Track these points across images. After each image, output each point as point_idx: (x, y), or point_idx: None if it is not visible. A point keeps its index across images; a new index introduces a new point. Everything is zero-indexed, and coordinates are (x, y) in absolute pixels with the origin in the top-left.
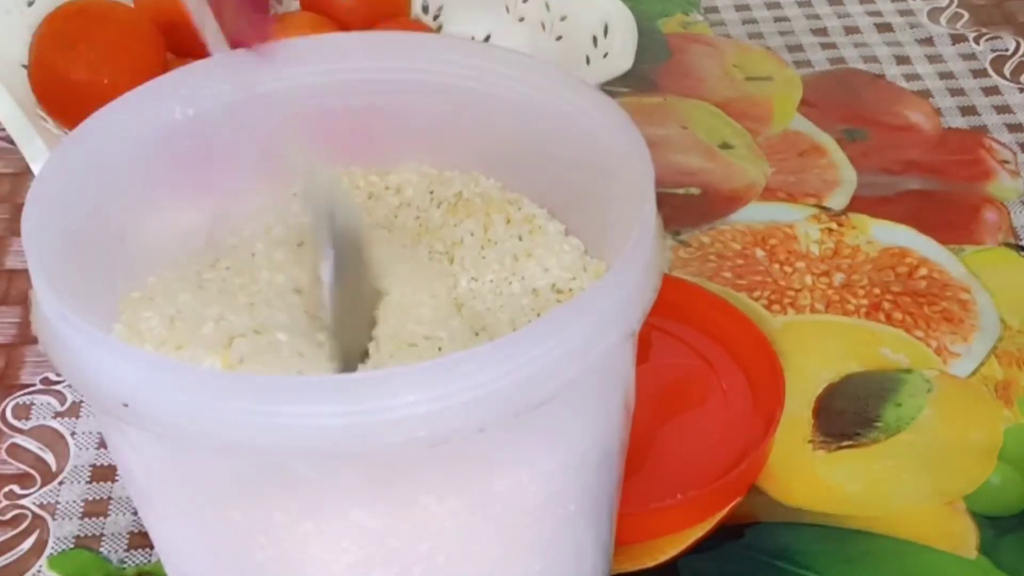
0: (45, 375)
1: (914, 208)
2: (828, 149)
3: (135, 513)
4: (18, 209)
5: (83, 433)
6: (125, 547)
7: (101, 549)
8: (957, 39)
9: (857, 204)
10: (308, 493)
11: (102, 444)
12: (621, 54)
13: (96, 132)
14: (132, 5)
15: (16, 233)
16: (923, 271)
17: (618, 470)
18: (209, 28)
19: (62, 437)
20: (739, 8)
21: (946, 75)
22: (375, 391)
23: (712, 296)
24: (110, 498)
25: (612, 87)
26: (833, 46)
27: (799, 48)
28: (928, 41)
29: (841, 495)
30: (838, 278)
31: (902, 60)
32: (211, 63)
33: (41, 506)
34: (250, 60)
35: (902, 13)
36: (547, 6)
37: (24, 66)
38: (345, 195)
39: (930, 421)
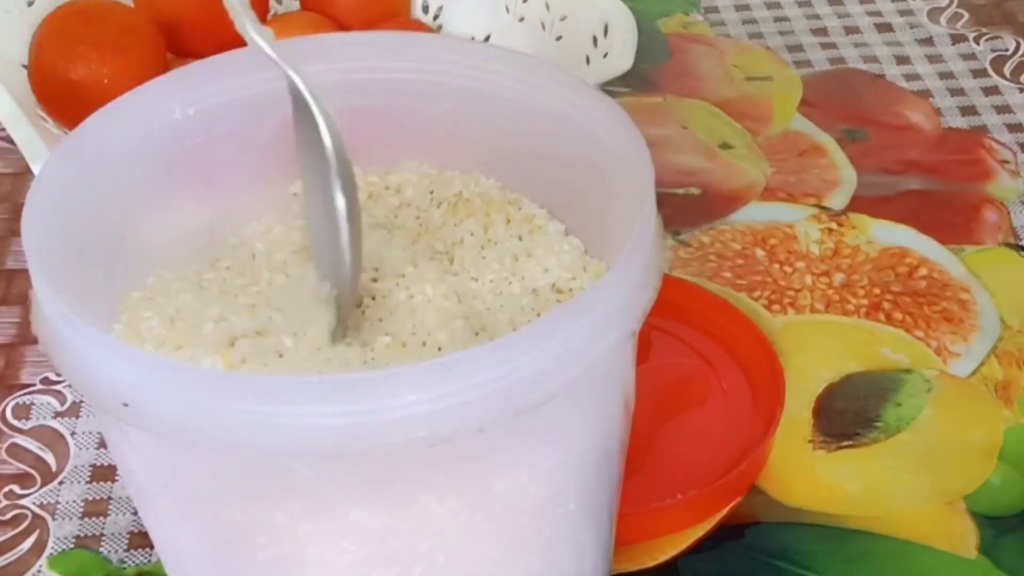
0: (45, 375)
1: (914, 208)
2: (828, 149)
3: (135, 513)
4: (18, 209)
5: (83, 433)
6: (125, 547)
7: (101, 549)
8: (957, 39)
9: (857, 204)
10: (308, 493)
11: (102, 444)
12: (621, 54)
13: (96, 132)
14: (132, 5)
15: (16, 233)
16: (923, 271)
17: (618, 470)
18: (249, 25)
19: (62, 437)
20: (739, 8)
21: (946, 75)
22: (375, 391)
23: (712, 296)
24: (110, 498)
25: (612, 87)
26: (833, 46)
27: (799, 48)
28: (928, 41)
29: (841, 495)
30: (838, 278)
31: (902, 60)
32: (211, 63)
33: (41, 506)
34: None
35: (902, 13)
36: (547, 6)
37: (24, 66)
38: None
39: (930, 421)
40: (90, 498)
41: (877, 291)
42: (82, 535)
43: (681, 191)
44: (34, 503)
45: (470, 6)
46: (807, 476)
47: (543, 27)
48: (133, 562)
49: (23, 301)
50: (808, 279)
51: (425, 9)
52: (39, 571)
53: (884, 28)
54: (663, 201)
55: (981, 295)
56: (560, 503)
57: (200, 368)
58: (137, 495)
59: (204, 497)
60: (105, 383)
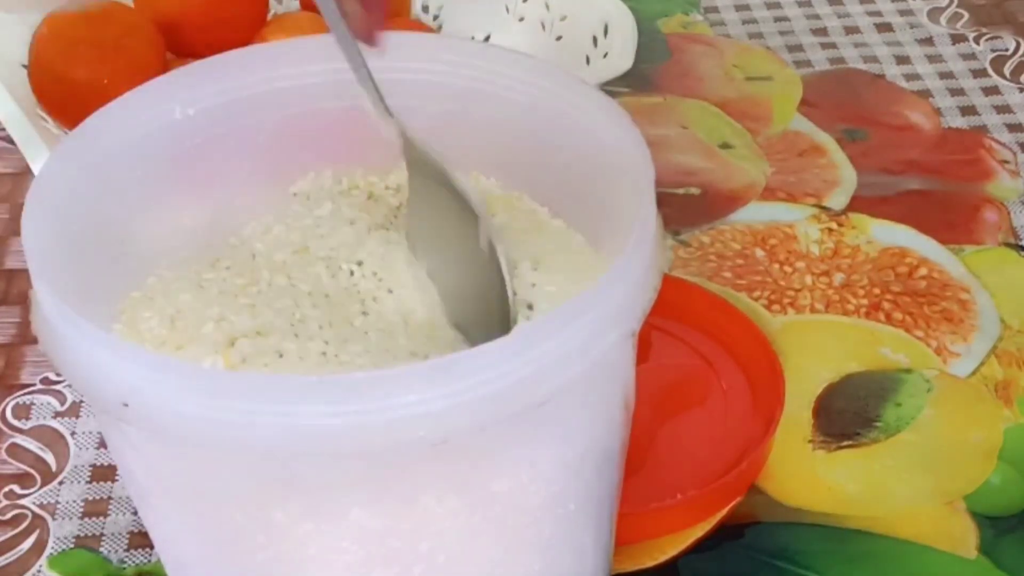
0: (45, 375)
1: (914, 208)
2: (828, 149)
3: (135, 513)
4: (18, 209)
5: (83, 433)
6: (125, 547)
7: (101, 549)
8: (957, 39)
9: (857, 204)
10: (308, 493)
11: (102, 444)
12: (621, 54)
13: (96, 132)
14: (132, 5)
15: (16, 233)
16: (923, 271)
17: (618, 470)
18: (333, 17)
19: (62, 437)
20: (739, 8)
21: (946, 75)
22: (375, 391)
23: (712, 296)
24: (110, 498)
25: (612, 87)
26: (833, 46)
27: (799, 48)
28: (928, 41)
29: (841, 495)
30: (838, 278)
31: (902, 60)
32: (211, 63)
33: (41, 506)
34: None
35: (902, 13)
36: (547, 6)
37: (24, 66)
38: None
39: (930, 421)
40: (90, 498)
41: (877, 291)
42: (82, 535)
43: (681, 191)
44: (34, 503)
45: (470, 6)
46: (807, 476)
47: (543, 27)
48: (133, 562)
49: (23, 301)
50: (808, 279)
51: (425, 9)
52: (39, 571)
53: (884, 28)
54: (663, 201)
55: (981, 295)
56: (560, 503)
57: (200, 368)
58: (137, 495)
59: (204, 497)
60: (105, 383)
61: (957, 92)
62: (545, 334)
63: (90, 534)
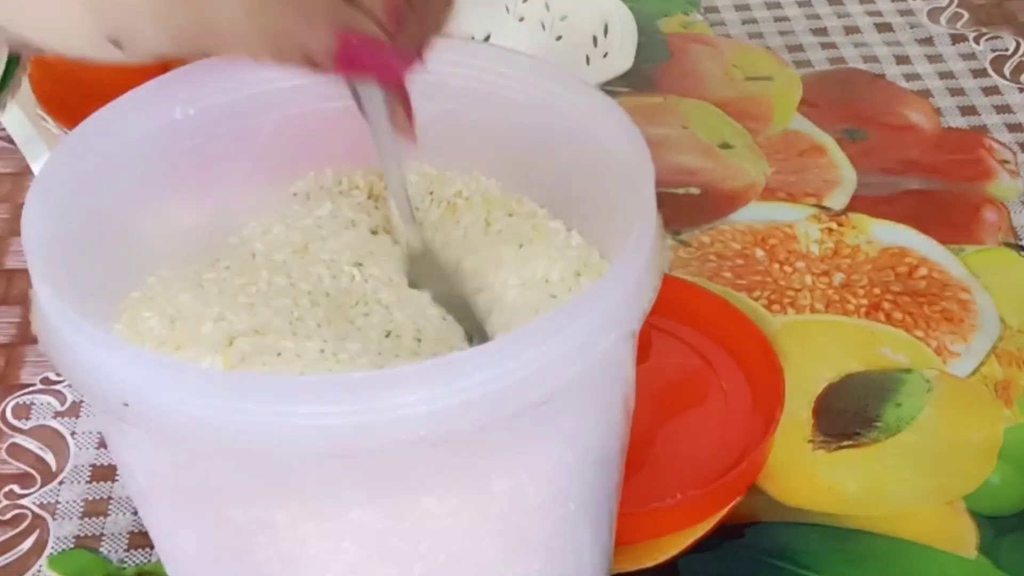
0: (45, 375)
1: (914, 208)
2: (828, 149)
3: (135, 513)
4: (18, 209)
5: (83, 433)
6: (125, 547)
7: (101, 549)
8: (957, 39)
9: (857, 204)
10: (308, 493)
11: (102, 444)
12: (621, 54)
13: (96, 132)
14: None
15: (16, 233)
16: (923, 271)
17: (618, 470)
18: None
19: (62, 437)
20: (739, 8)
21: (946, 75)
22: (375, 391)
23: (712, 296)
24: (110, 498)
25: (612, 87)
26: (833, 46)
27: (799, 48)
28: (928, 41)
29: (841, 495)
30: (838, 278)
31: (902, 60)
32: (211, 63)
33: (41, 506)
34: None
35: (902, 13)
36: (547, 6)
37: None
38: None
39: (930, 421)
40: (90, 498)
41: (877, 291)
42: (82, 535)
43: (681, 191)
44: (34, 503)
45: (470, 6)
46: (807, 476)
47: (543, 27)
48: (133, 562)
49: (23, 301)
50: (808, 279)
51: None
52: (39, 571)
53: (884, 28)
54: (663, 201)
55: (981, 295)
56: (560, 503)
57: (201, 368)
58: (137, 495)
59: (204, 497)
60: (105, 383)
61: (957, 92)
62: (545, 334)
63: (90, 534)
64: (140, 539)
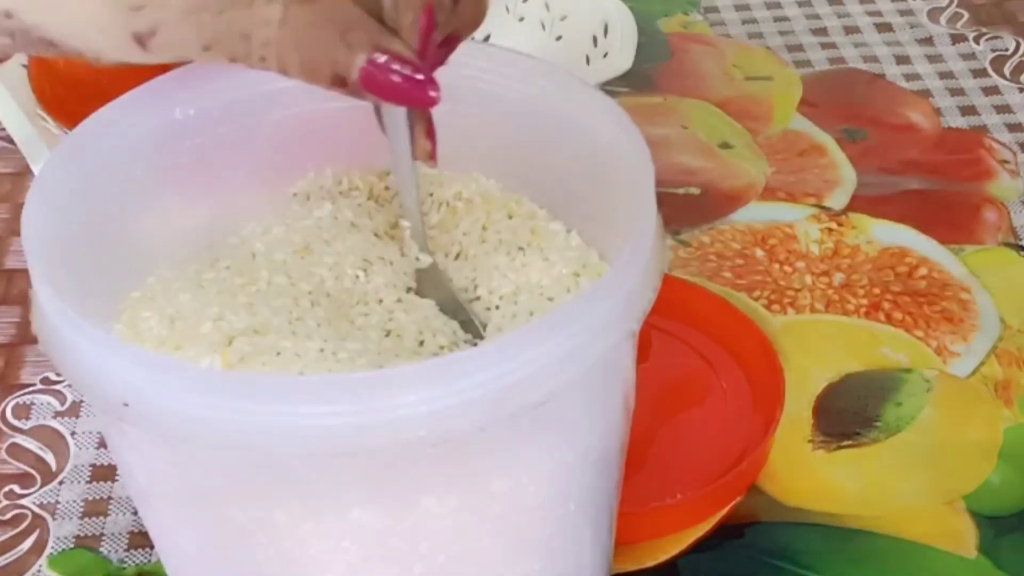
0: (45, 375)
1: (914, 208)
2: (828, 149)
3: (135, 513)
4: (18, 209)
5: (83, 433)
6: (125, 547)
7: (101, 549)
8: (957, 39)
9: (857, 204)
10: (308, 493)
11: (102, 444)
12: (621, 54)
13: (96, 132)
14: None
15: (16, 233)
16: (923, 271)
17: (618, 470)
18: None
19: (62, 437)
20: (739, 8)
21: (946, 75)
22: (375, 391)
23: (712, 296)
24: (110, 498)
25: (612, 87)
26: (833, 46)
27: (799, 48)
28: (928, 41)
29: (841, 495)
30: (838, 278)
31: (902, 60)
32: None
33: (41, 506)
34: None
35: (902, 13)
36: (547, 6)
37: (24, 66)
38: None
39: (930, 421)
40: (90, 498)
41: (877, 291)
42: (82, 535)
43: (681, 191)
44: (34, 503)
45: None
46: (807, 476)
47: (543, 27)
48: (133, 562)
49: (23, 301)
50: (808, 279)
51: None
52: (39, 571)
53: (884, 28)
54: (663, 201)
55: (981, 295)
56: (560, 503)
57: (201, 368)
58: (137, 495)
59: (204, 497)
60: (105, 383)
61: (957, 92)
62: (545, 334)
63: (90, 534)
64: (140, 539)
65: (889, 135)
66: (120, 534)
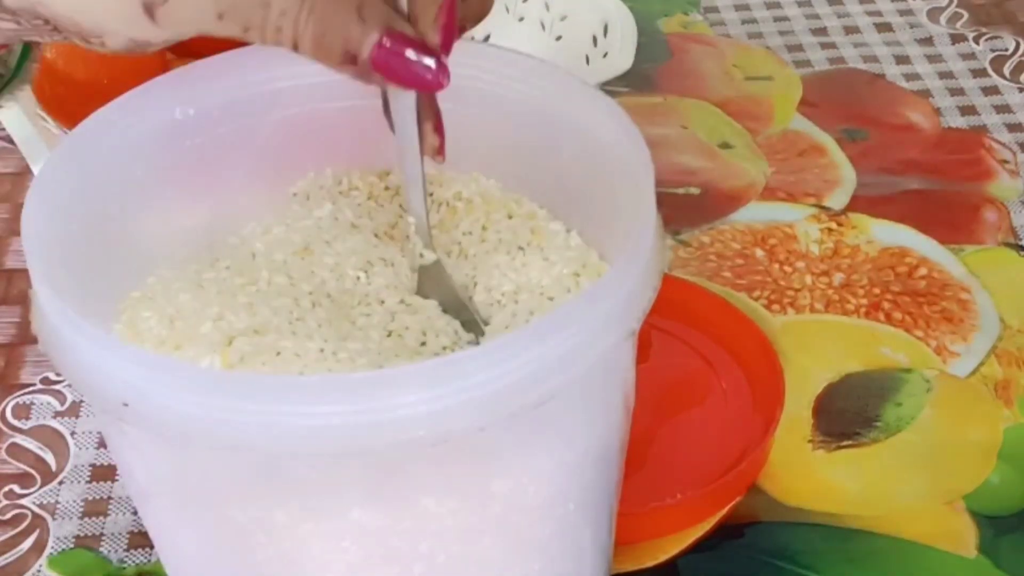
0: (45, 375)
1: (914, 208)
2: (828, 149)
3: (135, 513)
4: (18, 209)
5: (83, 433)
6: (125, 547)
7: (101, 549)
8: (957, 39)
9: (857, 204)
10: (308, 493)
11: (102, 444)
12: (621, 54)
13: (96, 132)
14: None
15: (16, 233)
16: (923, 271)
17: (618, 470)
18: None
19: (62, 437)
20: (739, 8)
21: (946, 75)
22: (375, 391)
23: (712, 296)
24: (110, 498)
25: (612, 87)
26: (833, 46)
27: (799, 48)
28: (928, 41)
29: (841, 494)
30: (838, 278)
31: (902, 60)
32: (211, 63)
33: (41, 506)
34: (250, 59)
35: (902, 13)
36: (547, 6)
37: None
38: None
39: (930, 421)
40: (90, 498)
41: (877, 291)
42: (82, 535)
43: (681, 191)
44: (34, 503)
45: None
46: (807, 476)
47: (543, 27)
48: (133, 562)
49: (23, 301)
50: (808, 279)
51: None
52: (39, 571)
53: (884, 28)
54: (663, 201)
55: (981, 295)
56: (560, 503)
57: (201, 368)
58: (137, 495)
59: (204, 497)
60: (105, 383)
61: (957, 92)
62: (545, 334)
63: (90, 534)
64: (140, 539)
65: (889, 135)
66: (120, 534)
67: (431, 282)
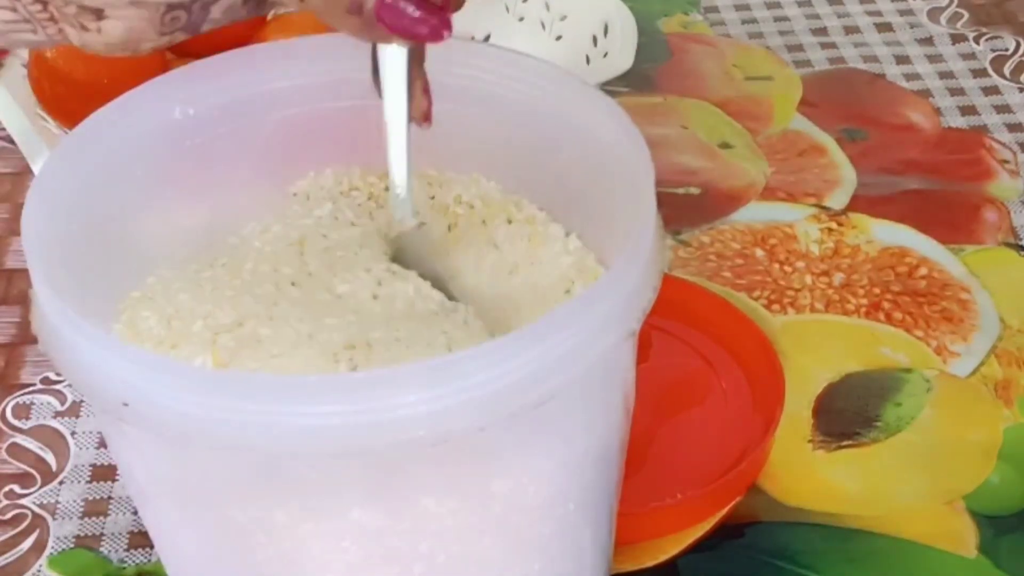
0: (45, 375)
1: (914, 208)
2: (828, 149)
3: (135, 513)
4: (18, 209)
5: (83, 433)
6: (125, 547)
7: (101, 549)
8: (957, 39)
9: (857, 204)
10: (308, 493)
11: (102, 444)
12: (621, 54)
13: (96, 132)
14: None
15: (16, 233)
16: (923, 271)
17: (618, 470)
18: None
19: (62, 437)
20: (739, 8)
21: (946, 75)
22: (375, 391)
23: (712, 296)
24: (110, 498)
25: (612, 87)
26: (833, 46)
27: (799, 48)
28: (928, 41)
29: (841, 494)
30: (838, 278)
31: (902, 60)
32: (211, 63)
33: (41, 506)
34: (250, 59)
35: (902, 13)
36: (547, 6)
37: (24, 66)
38: None
39: (930, 421)
40: (90, 498)
41: (877, 291)
42: (82, 535)
43: (681, 191)
44: (34, 503)
45: (470, 6)
46: (807, 476)
47: (543, 27)
48: (133, 562)
49: (23, 301)
50: (808, 279)
51: None
52: (39, 571)
53: (884, 28)
54: (663, 201)
55: (981, 295)
56: (560, 503)
57: (200, 368)
58: (137, 495)
59: (204, 497)
60: (105, 383)
61: (957, 92)
62: (545, 334)
63: (90, 534)
64: (140, 539)
65: (889, 135)
66: (120, 534)
67: (410, 250)
